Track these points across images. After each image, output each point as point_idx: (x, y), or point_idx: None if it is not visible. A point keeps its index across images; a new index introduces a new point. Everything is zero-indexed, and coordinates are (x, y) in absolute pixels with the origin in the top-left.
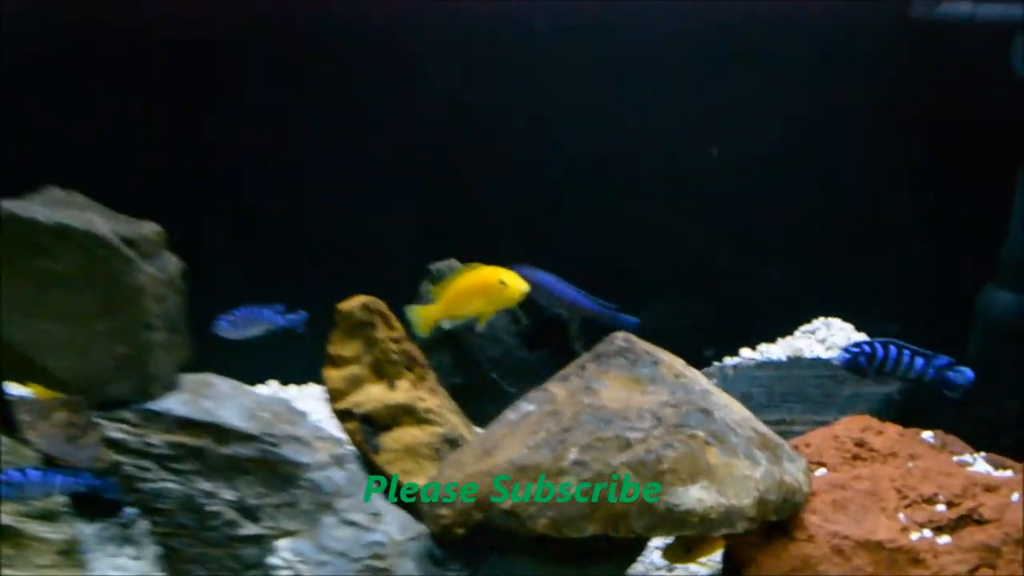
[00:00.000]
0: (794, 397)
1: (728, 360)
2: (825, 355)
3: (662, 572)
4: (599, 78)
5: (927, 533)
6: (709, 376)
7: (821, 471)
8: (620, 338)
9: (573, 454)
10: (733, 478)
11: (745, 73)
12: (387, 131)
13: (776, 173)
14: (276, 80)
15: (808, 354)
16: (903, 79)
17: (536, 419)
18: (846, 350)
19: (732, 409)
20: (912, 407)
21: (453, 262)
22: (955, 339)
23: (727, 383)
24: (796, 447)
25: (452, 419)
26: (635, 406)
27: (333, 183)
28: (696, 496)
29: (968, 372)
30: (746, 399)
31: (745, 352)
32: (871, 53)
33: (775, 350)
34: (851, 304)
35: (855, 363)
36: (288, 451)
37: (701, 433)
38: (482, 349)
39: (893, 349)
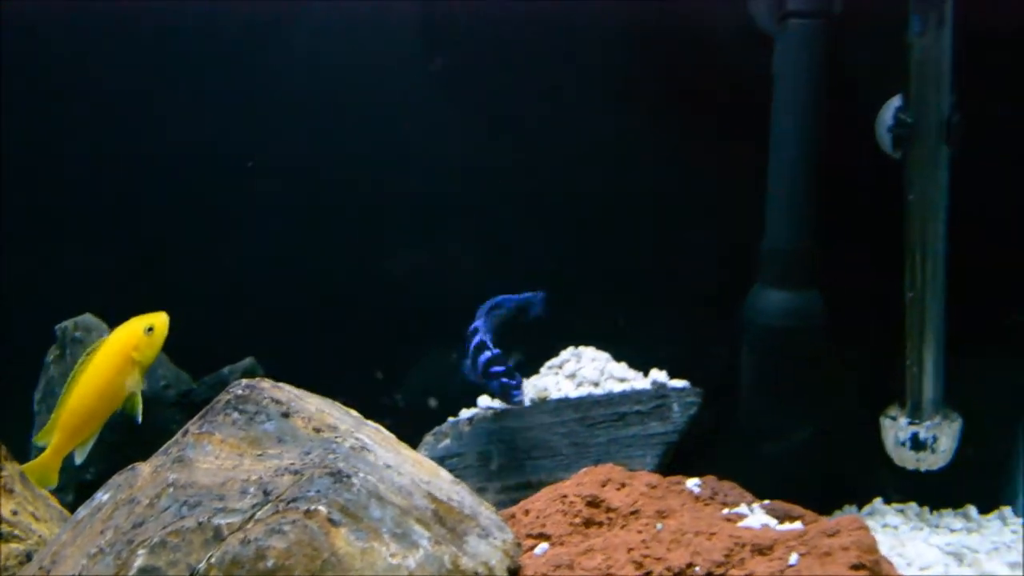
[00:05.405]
0: (540, 451)
1: (464, 413)
2: (574, 392)
3: None
4: None
5: None
6: (441, 436)
7: (542, 547)
8: (240, 385)
9: (140, 559)
10: (375, 571)
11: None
12: None
13: (499, 185)
14: None
15: (555, 394)
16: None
17: (108, 512)
18: (487, 374)
19: (401, 469)
20: (690, 447)
21: (87, 318)
22: (728, 357)
23: (463, 442)
24: (512, 515)
25: (42, 529)
26: (240, 478)
27: None
28: None
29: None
30: (485, 460)
31: (483, 400)
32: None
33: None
34: (605, 328)
35: (501, 385)
36: None
37: (323, 508)
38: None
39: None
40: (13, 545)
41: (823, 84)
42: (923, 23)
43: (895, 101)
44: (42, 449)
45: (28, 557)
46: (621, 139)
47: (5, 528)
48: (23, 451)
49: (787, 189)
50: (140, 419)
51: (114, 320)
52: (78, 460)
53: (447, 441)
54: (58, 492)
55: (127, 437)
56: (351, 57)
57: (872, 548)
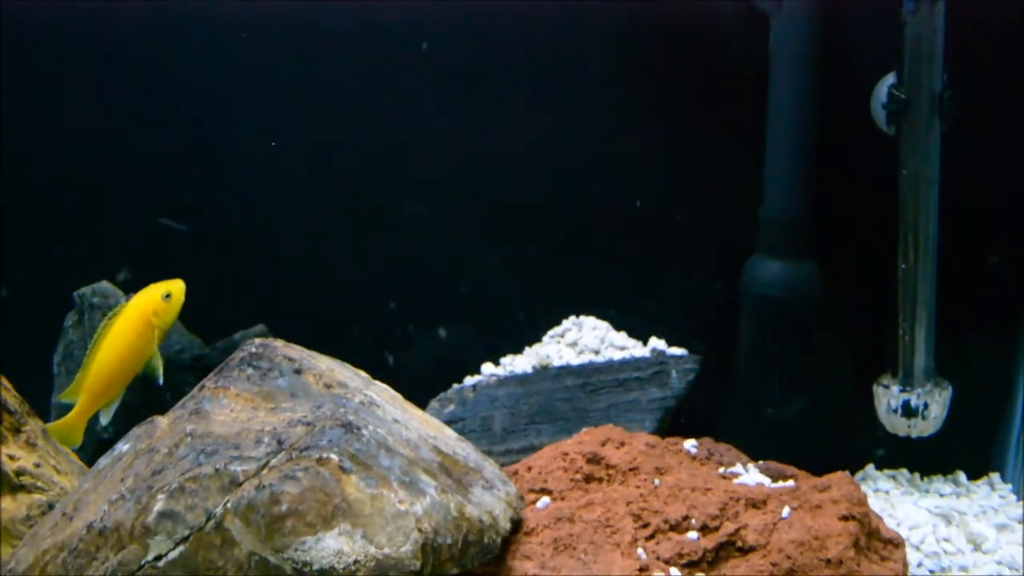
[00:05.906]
0: (542, 416)
1: (468, 379)
2: (576, 360)
3: None
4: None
5: (675, 573)
6: (446, 402)
7: (544, 500)
8: (254, 344)
9: (159, 503)
10: (384, 516)
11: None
12: None
13: (502, 158)
14: None
15: (557, 362)
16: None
17: (128, 462)
18: None
19: (408, 424)
20: (690, 413)
21: (103, 285)
22: (726, 326)
23: (467, 408)
24: (516, 472)
25: (64, 481)
26: (254, 428)
27: None
28: (334, 547)
29: None
30: (488, 424)
31: (487, 368)
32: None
33: (521, 362)
34: (606, 298)
35: None
36: None
37: (334, 456)
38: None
39: None
40: (36, 496)
41: (819, 61)
42: (916, 1)
43: (889, 78)
44: (64, 407)
45: (50, 507)
46: (618, 111)
47: (28, 480)
48: (43, 410)
49: (784, 162)
50: (161, 381)
51: (129, 288)
52: (104, 421)
53: (452, 407)
54: (77, 451)
55: (142, 399)
56: (353, 52)
57: (862, 501)
